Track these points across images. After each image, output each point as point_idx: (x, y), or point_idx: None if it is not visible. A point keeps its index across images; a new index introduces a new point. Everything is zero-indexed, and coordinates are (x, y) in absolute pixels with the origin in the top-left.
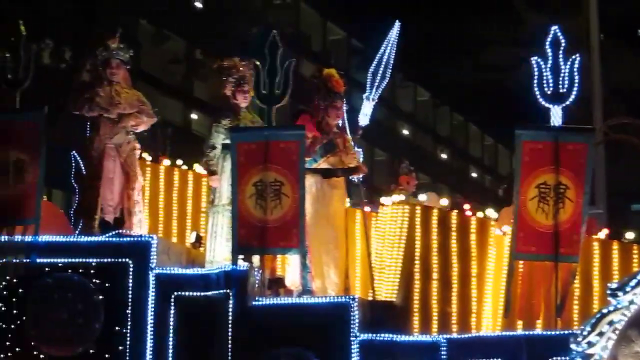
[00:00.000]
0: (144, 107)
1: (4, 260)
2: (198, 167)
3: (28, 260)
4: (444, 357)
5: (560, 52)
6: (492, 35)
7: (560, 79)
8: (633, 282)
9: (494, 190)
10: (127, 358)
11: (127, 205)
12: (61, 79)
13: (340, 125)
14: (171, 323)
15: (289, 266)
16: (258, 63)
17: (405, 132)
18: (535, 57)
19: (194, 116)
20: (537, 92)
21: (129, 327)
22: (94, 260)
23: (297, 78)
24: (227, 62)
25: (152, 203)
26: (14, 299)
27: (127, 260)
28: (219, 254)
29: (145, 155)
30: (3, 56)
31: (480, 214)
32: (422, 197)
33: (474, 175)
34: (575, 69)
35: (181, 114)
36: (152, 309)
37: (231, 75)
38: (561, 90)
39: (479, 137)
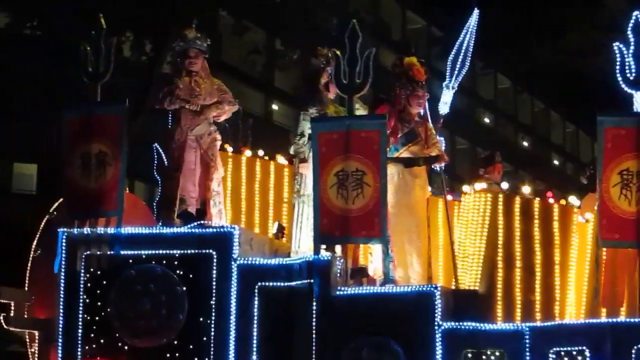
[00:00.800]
0: (225, 96)
1: (88, 252)
2: (280, 158)
3: (111, 252)
4: (528, 345)
5: None
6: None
7: None
8: None
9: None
10: (211, 349)
11: (207, 196)
12: (142, 71)
13: (421, 114)
14: (254, 313)
15: (372, 255)
16: (338, 52)
17: (487, 120)
18: (617, 43)
19: (274, 107)
20: (620, 78)
21: (212, 318)
22: (177, 251)
23: (377, 67)
24: (324, 51)
25: (234, 194)
26: (97, 291)
27: (210, 251)
28: (303, 244)
29: (226, 146)
30: (84, 49)
31: (562, 202)
32: (505, 185)
33: (556, 162)
34: None
35: (262, 104)
36: (236, 300)
37: (329, 65)
38: None
39: (560, 124)
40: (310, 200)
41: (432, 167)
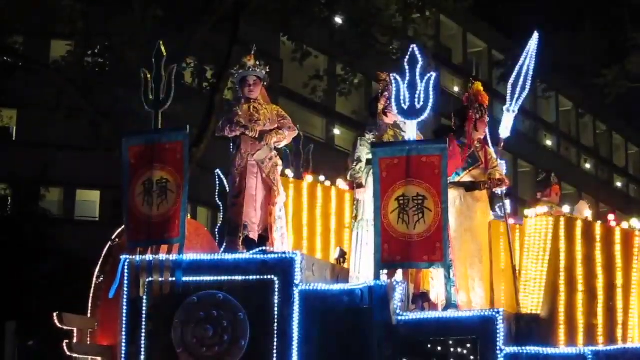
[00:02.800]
0: (284, 122)
1: (150, 279)
2: (341, 183)
3: (174, 278)
4: None
5: None
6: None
7: None
8: None
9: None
10: None
11: (269, 221)
12: (203, 98)
13: (482, 138)
14: (317, 339)
15: (434, 280)
16: (398, 77)
17: (549, 142)
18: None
19: (336, 131)
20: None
21: (274, 343)
22: (240, 277)
23: (438, 92)
24: (384, 76)
25: (296, 219)
26: (160, 318)
27: (272, 277)
28: (363, 269)
29: (288, 172)
30: (145, 77)
31: (625, 224)
32: (566, 209)
33: (619, 184)
34: None
35: (324, 129)
36: (298, 325)
37: (387, 90)
38: None
39: (623, 145)
40: (368, 226)
41: (494, 191)
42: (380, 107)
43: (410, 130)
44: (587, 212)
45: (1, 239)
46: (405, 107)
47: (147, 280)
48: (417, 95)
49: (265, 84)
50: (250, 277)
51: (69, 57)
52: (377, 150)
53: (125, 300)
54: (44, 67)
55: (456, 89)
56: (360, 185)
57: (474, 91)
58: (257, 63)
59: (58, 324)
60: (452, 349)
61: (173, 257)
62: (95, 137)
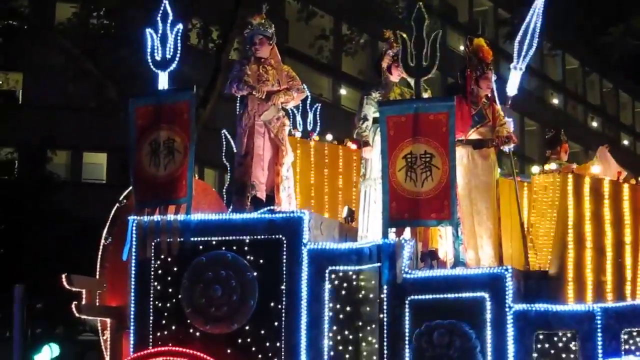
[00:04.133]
0: (293, 83)
1: (158, 240)
2: (348, 142)
3: (181, 239)
4: (599, 325)
5: None
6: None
7: None
8: None
9: None
10: (282, 334)
11: (277, 181)
12: (209, 58)
13: (489, 95)
14: (326, 298)
15: (442, 238)
16: (405, 35)
17: (555, 101)
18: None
19: (343, 91)
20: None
21: (283, 303)
22: (247, 237)
23: (444, 50)
24: (388, 34)
25: (304, 179)
26: (168, 278)
27: (280, 236)
28: (371, 228)
29: (295, 131)
30: (150, 38)
31: (632, 181)
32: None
33: (626, 142)
34: None
35: (330, 89)
36: (306, 285)
37: (390, 48)
38: None
39: (629, 103)
40: (376, 184)
41: (501, 148)
42: (385, 64)
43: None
44: (610, 159)
45: (8, 203)
46: (412, 65)
47: (155, 241)
48: (423, 54)
49: (272, 43)
50: (258, 237)
51: (74, 19)
52: (384, 109)
53: (133, 261)
54: (49, 30)
55: (462, 48)
56: (367, 144)
57: (473, 47)
58: (263, 22)
59: (66, 286)
60: (460, 307)
61: (181, 217)
62: (102, 99)
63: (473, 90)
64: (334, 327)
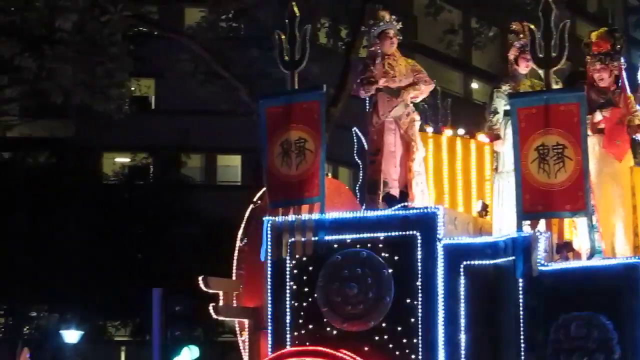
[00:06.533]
0: (420, 76)
1: (293, 239)
2: (481, 136)
3: (316, 238)
4: None
5: None
6: None
7: None
8: None
9: None
10: (419, 330)
11: (409, 177)
12: (339, 57)
13: (619, 84)
14: (461, 293)
15: (576, 229)
16: (533, 27)
17: None
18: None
19: (474, 85)
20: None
21: (419, 299)
22: (382, 234)
23: (573, 40)
24: (516, 26)
25: (436, 174)
26: (304, 278)
27: (414, 232)
28: (506, 221)
29: (426, 127)
30: (279, 38)
31: None
32: None
33: None
34: None
35: (461, 83)
36: (442, 280)
37: (517, 40)
38: None
39: None
40: (509, 177)
41: (634, 136)
42: (512, 56)
43: None
44: None
45: (144, 207)
46: (540, 56)
47: (290, 240)
48: (552, 44)
49: (399, 39)
50: (393, 234)
51: (203, 23)
52: (514, 101)
53: (269, 261)
54: (179, 34)
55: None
56: (498, 137)
57: (591, 38)
58: (389, 18)
59: (204, 288)
60: (597, 298)
61: (315, 216)
62: (233, 101)
63: (594, 80)
64: (471, 322)
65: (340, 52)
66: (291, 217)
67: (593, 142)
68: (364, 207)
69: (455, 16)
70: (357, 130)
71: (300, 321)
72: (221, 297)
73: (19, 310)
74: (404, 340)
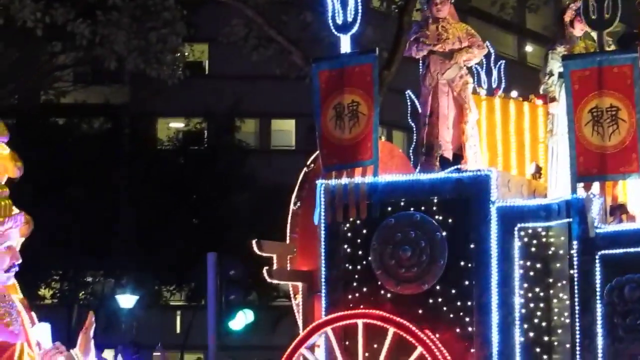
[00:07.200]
0: (473, 40)
1: (347, 203)
2: (534, 98)
3: (369, 201)
4: None
5: None
6: None
7: None
8: None
9: None
10: (473, 293)
11: (462, 140)
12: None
13: None
14: (515, 255)
15: (630, 192)
16: None
17: None
18: None
19: (528, 48)
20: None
21: (473, 261)
22: (436, 197)
23: (626, 1)
24: None
25: (490, 137)
26: (358, 241)
27: (468, 195)
28: (560, 184)
29: (480, 89)
30: (332, 1)
31: None
32: None
33: None
34: None
35: (515, 47)
36: (496, 243)
37: (573, 1)
38: None
39: None
40: (564, 139)
41: None
42: (567, 18)
43: None
44: None
45: (199, 172)
46: (593, 17)
47: (343, 203)
48: (604, 6)
49: (452, 2)
50: (446, 196)
51: None
52: (568, 63)
53: (322, 224)
54: None
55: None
56: (553, 99)
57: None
58: None
59: (258, 252)
60: None
61: (368, 179)
62: (287, 65)
63: None
64: (524, 285)
65: (394, 15)
66: (344, 180)
67: None
68: (417, 169)
69: None
70: (410, 93)
71: (354, 284)
72: (275, 261)
73: (74, 275)
74: (458, 303)
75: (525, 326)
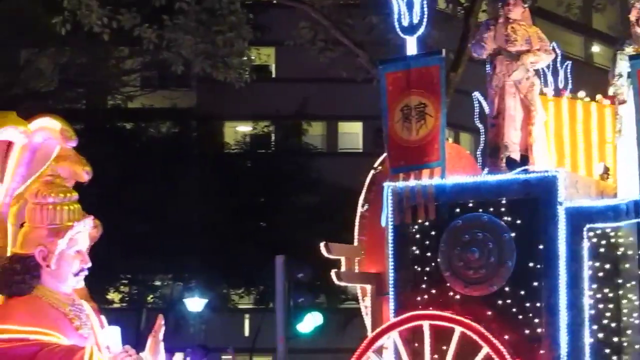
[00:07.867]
0: (542, 44)
1: (414, 205)
2: (602, 99)
3: (437, 203)
4: None
5: None
6: None
7: None
8: None
9: None
10: (542, 294)
11: (529, 141)
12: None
13: None
14: (584, 256)
15: None
16: None
17: None
18: None
19: (595, 49)
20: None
21: (542, 262)
22: (503, 198)
23: None
24: None
25: (557, 137)
26: (426, 242)
27: (535, 196)
28: (628, 184)
29: (546, 90)
30: (397, 3)
31: None
32: None
33: None
34: None
35: (582, 47)
36: (564, 243)
37: (638, 0)
38: None
39: None
40: (632, 140)
41: None
42: (633, 18)
43: None
44: None
45: (266, 175)
46: None
47: (411, 205)
48: None
49: (527, 5)
50: (514, 197)
51: None
52: (635, 62)
53: (390, 226)
54: (298, 2)
55: None
56: (622, 102)
57: None
58: None
59: (326, 254)
60: None
61: (435, 181)
62: (353, 68)
63: None
64: (594, 286)
65: (460, 16)
66: (412, 182)
67: None
68: (485, 171)
69: None
70: (477, 95)
71: (423, 286)
72: (343, 263)
73: (143, 279)
74: (527, 305)
75: (595, 327)
